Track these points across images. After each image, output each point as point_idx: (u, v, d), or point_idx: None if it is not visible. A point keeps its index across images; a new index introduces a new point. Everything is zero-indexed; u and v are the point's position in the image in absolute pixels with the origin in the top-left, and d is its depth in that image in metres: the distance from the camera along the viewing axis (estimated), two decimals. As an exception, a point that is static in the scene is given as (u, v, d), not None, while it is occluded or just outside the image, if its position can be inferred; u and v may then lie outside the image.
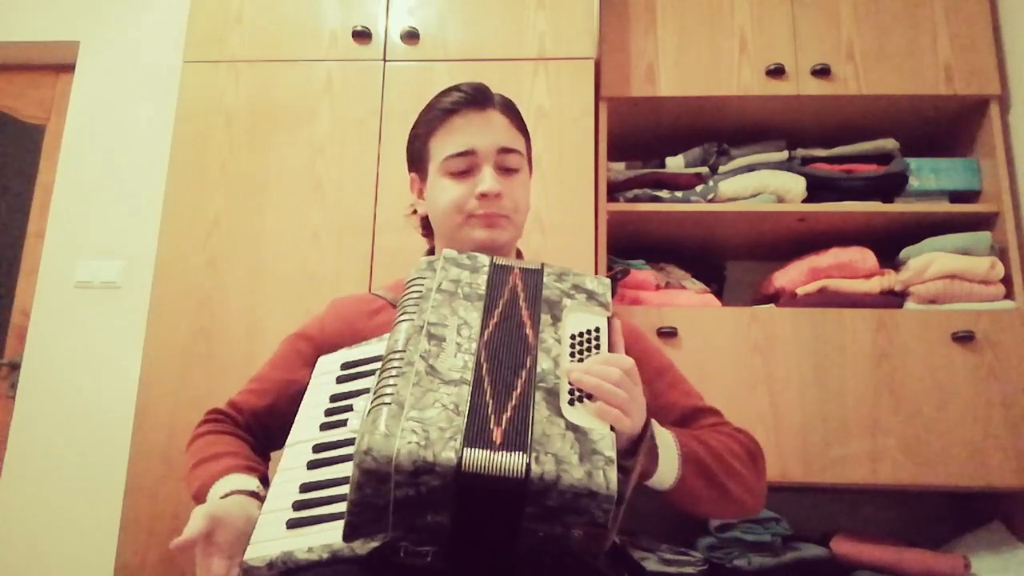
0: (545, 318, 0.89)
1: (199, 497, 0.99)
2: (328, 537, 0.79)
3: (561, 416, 0.78)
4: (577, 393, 0.82)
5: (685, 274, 1.95)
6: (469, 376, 0.80)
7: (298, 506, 0.85)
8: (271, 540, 0.82)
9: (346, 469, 0.84)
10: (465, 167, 1.09)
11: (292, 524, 0.83)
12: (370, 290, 1.70)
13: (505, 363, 0.83)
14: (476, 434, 0.75)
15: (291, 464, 0.92)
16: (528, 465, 0.73)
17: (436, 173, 1.12)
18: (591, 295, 0.94)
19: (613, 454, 0.76)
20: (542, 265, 0.96)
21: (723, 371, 1.72)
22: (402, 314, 0.88)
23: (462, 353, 0.83)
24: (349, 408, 0.93)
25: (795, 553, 1.69)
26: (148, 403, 1.69)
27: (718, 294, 1.98)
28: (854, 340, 1.72)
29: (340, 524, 0.78)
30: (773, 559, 1.67)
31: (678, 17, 1.95)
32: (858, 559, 1.69)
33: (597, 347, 0.88)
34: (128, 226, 2.20)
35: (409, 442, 0.73)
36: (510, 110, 1.14)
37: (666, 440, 0.93)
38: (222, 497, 0.93)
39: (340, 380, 1.00)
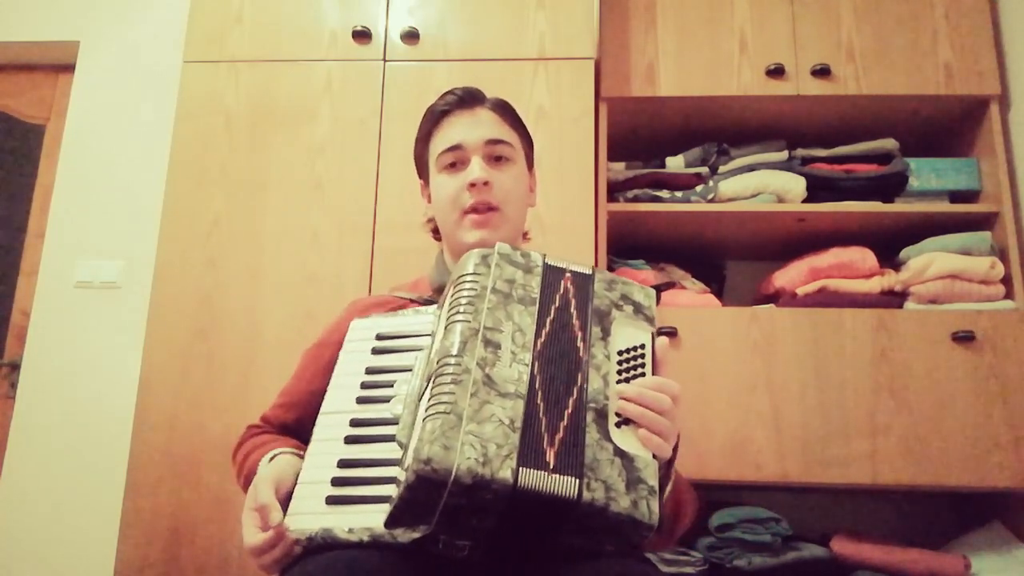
0: (595, 331, 0.89)
1: (250, 479, 1.00)
2: (368, 520, 0.80)
3: (610, 440, 0.80)
4: (624, 416, 0.83)
5: (685, 274, 1.95)
6: (524, 389, 0.81)
7: (337, 482, 0.86)
8: (311, 514, 0.84)
9: (384, 450, 0.87)
10: (455, 160, 1.14)
11: (331, 501, 0.84)
12: (370, 291, 1.71)
13: (557, 377, 0.84)
14: (530, 453, 0.77)
15: (327, 435, 0.93)
16: (580, 490, 0.75)
17: (434, 172, 1.17)
18: (638, 308, 0.93)
19: (656, 483, 0.78)
20: (593, 269, 0.96)
21: (723, 371, 1.72)
22: (456, 313, 0.87)
23: (516, 363, 0.83)
24: (385, 384, 0.94)
25: (795, 553, 1.69)
26: (148, 403, 1.69)
27: (718, 294, 1.98)
28: (854, 340, 1.72)
29: (379, 507, 0.80)
30: (773, 559, 1.67)
31: (678, 17, 1.95)
32: (858, 559, 1.69)
33: (642, 365, 0.88)
34: (128, 226, 2.20)
35: (468, 458, 0.74)
36: (501, 108, 1.18)
37: None
38: (270, 460, 0.95)
39: (376, 352, 1.00)
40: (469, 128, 1.14)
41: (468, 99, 1.16)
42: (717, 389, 1.71)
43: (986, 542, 1.73)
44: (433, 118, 1.17)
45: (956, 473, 1.63)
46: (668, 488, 0.93)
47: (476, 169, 1.11)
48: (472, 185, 1.10)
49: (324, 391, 1.02)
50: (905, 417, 1.67)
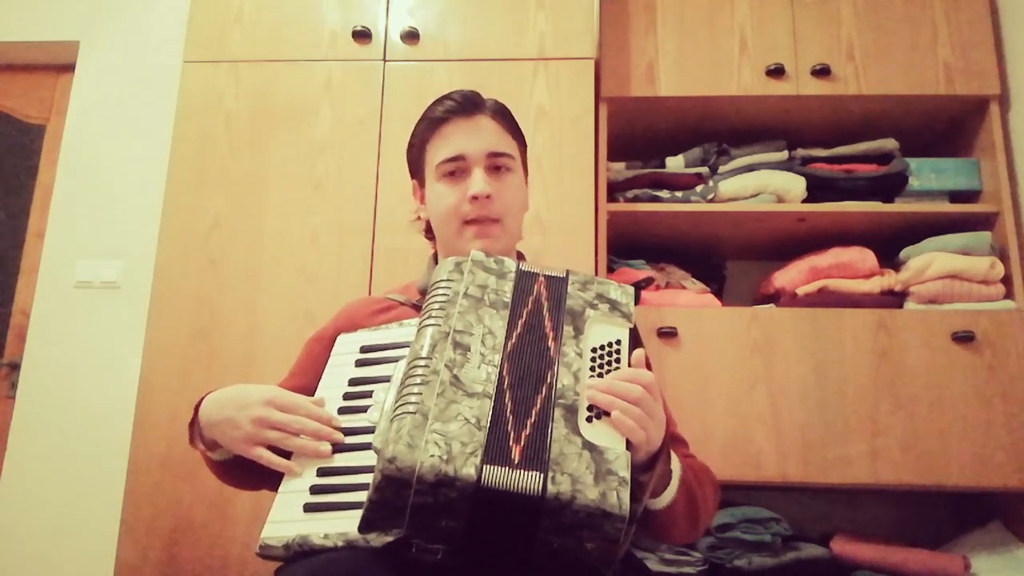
0: (568, 330, 0.90)
1: (195, 425, 1.05)
2: (344, 525, 0.81)
3: (579, 434, 0.80)
4: (596, 410, 0.83)
5: (685, 274, 1.95)
6: (491, 389, 0.82)
7: (315, 490, 0.87)
8: (288, 521, 0.84)
9: (363, 458, 0.87)
10: (456, 171, 1.12)
11: (309, 508, 0.85)
12: (370, 292, 1.71)
13: (526, 377, 0.85)
14: (496, 451, 0.77)
15: None
16: (544, 485, 0.75)
17: (432, 179, 1.15)
18: (614, 305, 0.94)
19: (627, 474, 0.78)
20: (567, 273, 0.97)
21: (723, 371, 1.72)
22: (428, 317, 0.89)
23: (485, 364, 0.84)
24: (367, 394, 0.95)
25: (795, 553, 1.69)
26: (148, 403, 1.69)
27: (718, 294, 1.98)
28: (854, 340, 1.72)
29: (356, 513, 0.80)
30: (773, 559, 1.67)
31: (678, 17, 1.95)
32: (858, 559, 1.69)
33: (618, 360, 0.89)
34: (128, 226, 2.20)
35: (432, 455, 0.75)
36: (501, 115, 1.16)
37: (674, 462, 0.95)
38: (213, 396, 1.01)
39: (359, 364, 1.01)
40: (470, 137, 1.11)
41: (467, 105, 1.13)
42: (717, 389, 1.71)
43: (986, 542, 1.73)
44: (431, 124, 1.15)
45: (956, 473, 1.63)
46: (672, 483, 0.93)
47: (479, 182, 1.09)
48: (474, 198, 1.09)
49: (313, 385, 1.02)
50: (905, 417, 1.67)
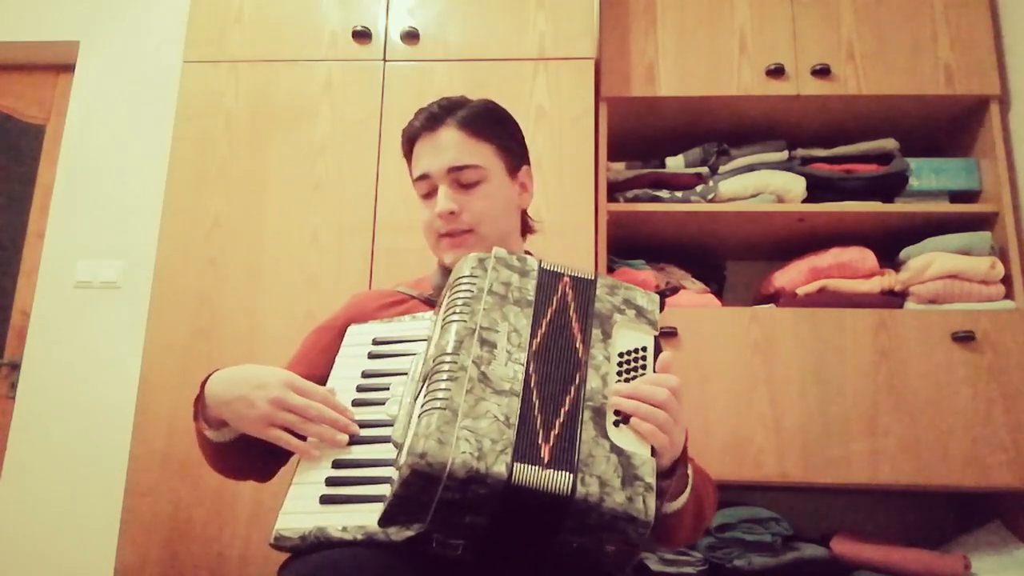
0: (596, 333, 0.90)
1: (198, 405, 1.03)
2: (362, 518, 0.81)
3: (607, 438, 0.80)
4: (623, 414, 0.84)
5: (685, 274, 1.95)
6: (519, 387, 0.82)
7: (331, 482, 0.87)
8: (304, 513, 0.84)
9: (379, 451, 0.88)
10: (427, 190, 1.15)
11: (325, 500, 0.85)
12: (370, 287, 1.71)
13: (554, 376, 0.85)
14: (525, 449, 0.77)
15: None
16: (574, 485, 0.75)
17: (416, 193, 1.19)
18: (640, 312, 0.94)
19: (653, 480, 0.78)
20: (596, 275, 0.97)
21: (723, 371, 1.72)
22: (452, 313, 0.89)
23: (512, 362, 0.84)
24: (381, 387, 0.95)
25: (795, 553, 1.69)
26: (148, 403, 1.69)
27: (718, 294, 1.98)
28: (854, 340, 1.72)
29: (373, 506, 0.80)
30: (773, 559, 1.67)
31: (678, 17, 1.95)
32: (858, 559, 1.69)
33: (643, 367, 0.89)
34: (128, 226, 2.20)
35: (463, 452, 0.75)
36: (469, 123, 1.13)
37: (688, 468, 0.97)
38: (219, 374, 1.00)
39: (372, 356, 1.01)
40: (432, 156, 1.12)
41: (430, 122, 1.13)
42: (717, 389, 1.71)
43: (986, 542, 1.73)
44: (405, 142, 1.18)
45: (956, 473, 1.63)
46: (688, 487, 0.95)
47: (442, 200, 1.10)
48: (440, 216, 1.11)
49: (319, 375, 1.02)
50: (905, 417, 1.67)
